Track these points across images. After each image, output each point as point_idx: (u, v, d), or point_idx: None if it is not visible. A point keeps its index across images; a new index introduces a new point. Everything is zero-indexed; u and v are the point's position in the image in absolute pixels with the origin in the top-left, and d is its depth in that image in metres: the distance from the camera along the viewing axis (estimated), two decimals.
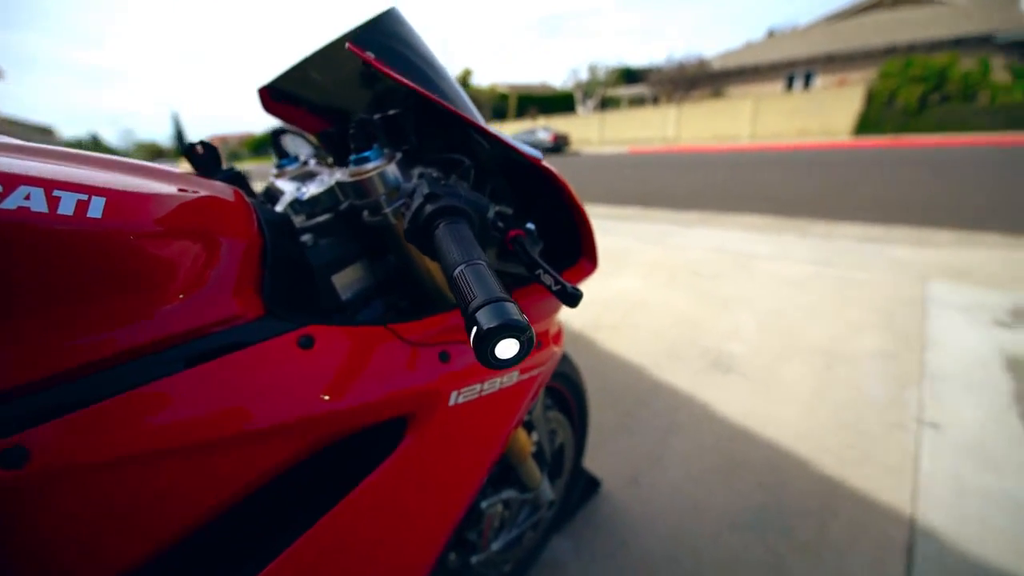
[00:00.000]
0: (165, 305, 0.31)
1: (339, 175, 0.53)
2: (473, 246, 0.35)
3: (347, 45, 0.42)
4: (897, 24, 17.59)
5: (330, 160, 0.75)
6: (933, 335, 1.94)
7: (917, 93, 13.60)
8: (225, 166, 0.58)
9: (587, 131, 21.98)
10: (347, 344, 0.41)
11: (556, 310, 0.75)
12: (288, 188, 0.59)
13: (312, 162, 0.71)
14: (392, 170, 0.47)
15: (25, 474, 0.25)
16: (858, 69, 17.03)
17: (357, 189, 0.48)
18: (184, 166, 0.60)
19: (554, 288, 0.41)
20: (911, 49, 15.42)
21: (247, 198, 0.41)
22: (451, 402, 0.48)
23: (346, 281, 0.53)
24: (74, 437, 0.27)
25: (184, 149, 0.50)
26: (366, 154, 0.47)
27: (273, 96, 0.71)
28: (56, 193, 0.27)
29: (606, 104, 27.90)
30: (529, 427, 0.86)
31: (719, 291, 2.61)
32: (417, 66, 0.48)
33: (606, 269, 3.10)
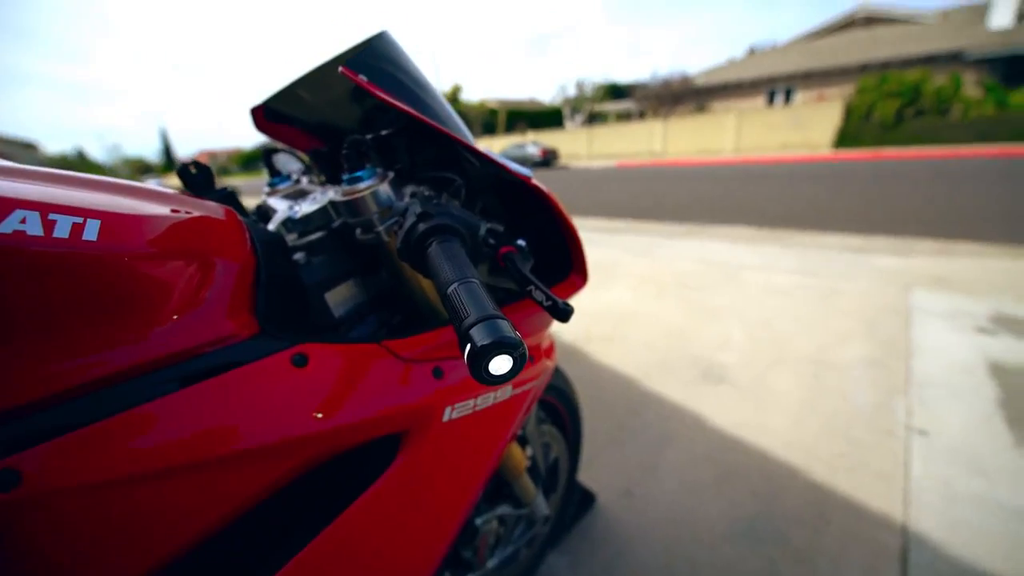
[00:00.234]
0: (159, 326, 0.31)
1: (332, 194, 0.53)
2: (466, 264, 0.35)
3: (340, 69, 0.43)
4: (871, 42, 18.27)
5: (322, 178, 0.75)
6: (918, 342, 1.98)
7: (893, 108, 14.07)
8: (217, 183, 0.58)
9: (575, 145, 22.30)
10: (341, 362, 0.41)
11: (548, 325, 0.75)
12: (280, 206, 0.59)
13: (304, 180, 0.71)
14: (385, 189, 0.48)
15: (16, 497, 0.25)
16: (835, 85, 17.59)
17: (350, 208, 0.48)
18: (174, 182, 0.60)
19: (545, 304, 0.42)
20: (885, 66, 15.99)
21: (240, 217, 0.41)
22: (445, 418, 0.48)
23: (339, 298, 0.53)
24: (67, 459, 0.27)
25: (178, 169, 0.50)
26: (359, 173, 0.48)
27: (266, 115, 0.72)
28: (52, 216, 0.27)
29: (594, 119, 28.40)
30: (523, 441, 0.85)
31: (708, 302, 2.64)
32: (408, 88, 0.49)
33: (596, 281, 3.12)
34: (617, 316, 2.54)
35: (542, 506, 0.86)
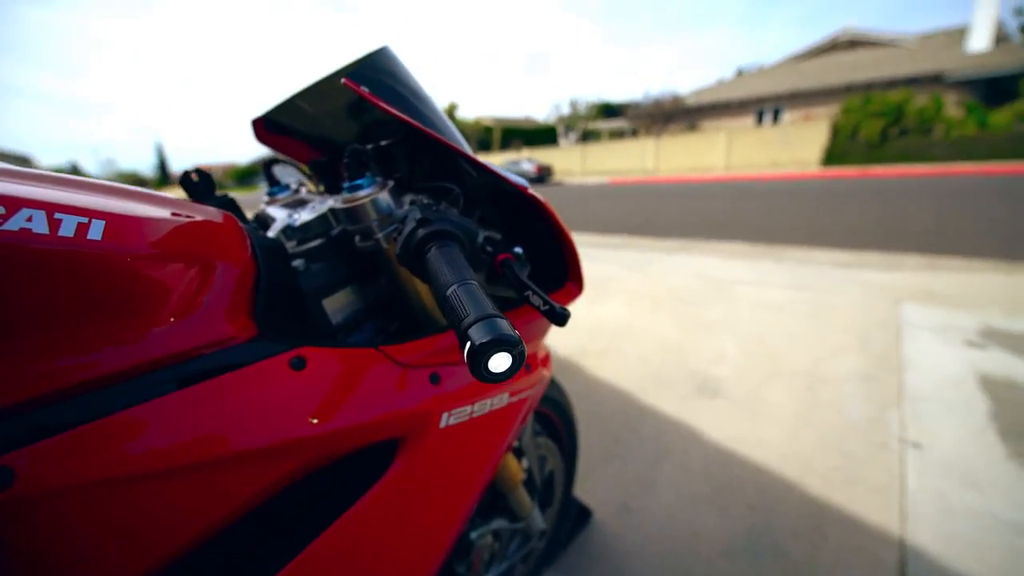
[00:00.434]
0: (159, 327, 0.31)
1: (331, 202, 0.54)
2: (464, 267, 0.36)
3: (342, 80, 0.44)
4: (854, 64, 18.85)
5: (320, 188, 0.76)
6: (909, 356, 1.99)
7: (878, 127, 14.44)
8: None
9: (569, 162, 22.60)
10: (339, 366, 0.41)
11: (544, 332, 0.76)
12: (279, 215, 0.60)
13: (303, 190, 0.72)
14: (384, 197, 0.48)
15: (9, 496, 0.25)
16: (821, 105, 18.06)
17: (350, 215, 0.49)
18: (176, 193, 0.61)
19: (543, 308, 0.43)
20: (869, 87, 16.47)
21: (240, 224, 0.42)
22: (442, 424, 0.48)
23: (337, 305, 0.53)
24: (63, 458, 0.26)
25: (180, 177, 0.51)
26: (359, 181, 0.49)
27: (266, 127, 0.73)
28: (57, 216, 0.28)
29: (587, 137, 28.87)
30: (519, 453, 0.85)
31: (702, 316, 2.65)
32: (408, 100, 0.50)
33: (591, 296, 3.14)
34: (612, 330, 2.55)
35: (538, 520, 0.85)
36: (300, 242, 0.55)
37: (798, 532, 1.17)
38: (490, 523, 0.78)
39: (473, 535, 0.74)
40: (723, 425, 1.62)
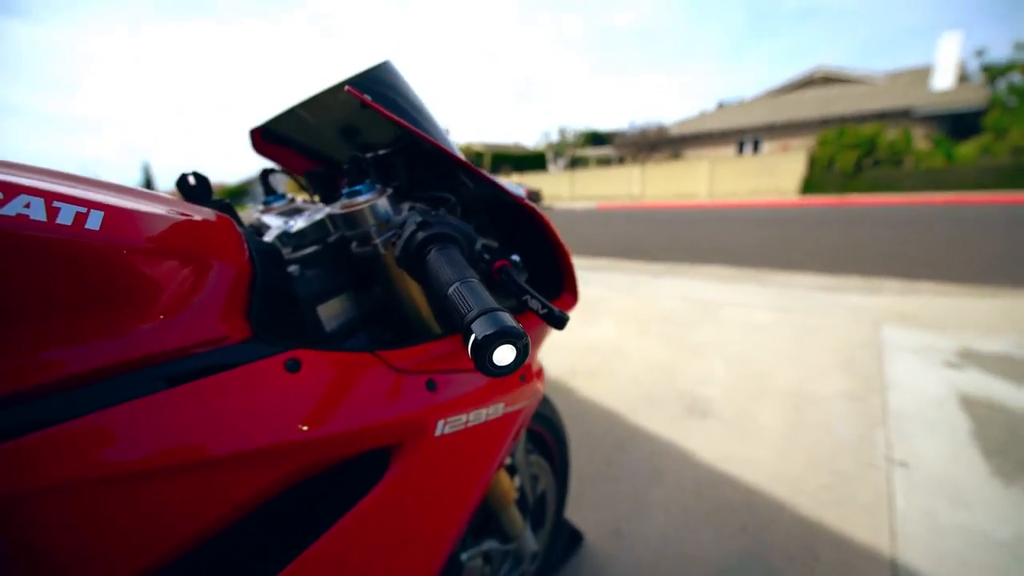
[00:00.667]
0: (153, 322, 0.31)
1: (328, 209, 0.54)
2: (465, 266, 0.36)
3: (346, 88, 0.45)
4: (828, 99, 19.79)
5: (316, 199, 0.77)
6: (892, 377, 2.03)
7: (852, 158, 15.09)
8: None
9: (558, 188, 23.00)
10: (334, 369, 0.40)
11: (540, 342, 0.76)
12: (275, 223, 0.60)
13: (298, 200, 0.72)
14: (383, 204, 0.49)
15: None
16: (798, 136, 18.83)
17: (348, 220, 0.49)
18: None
19: (542, 312, 0.43)
20: (843, 120, 17.27)
21: (237, 227, 0.42)
22: (437, 432, 0.47)
23: (331, 312, 0.53)
24: (47, 455, 0.25)
25: (177, 180, 0.51)
26: (358, 187, 0.49)
27: (264, 137, 0.74)
28: (56, 204, 0.27)
29: (575, 163, 29.52)
30: (511, 471, 0.83)
31: (690, 337, 2.68)
32: (408, 113, 0.51)
33: (581, 317, 3.15)
34: (602, 352, 2.55)
35: (530, 541, 0.83)
36: (295, 248, 0.55)
37: (791, 554, 1.16)
38: (481, 544, 0.76)
39: (464, 556, 0.72)
40: (713, 445, 1.62)
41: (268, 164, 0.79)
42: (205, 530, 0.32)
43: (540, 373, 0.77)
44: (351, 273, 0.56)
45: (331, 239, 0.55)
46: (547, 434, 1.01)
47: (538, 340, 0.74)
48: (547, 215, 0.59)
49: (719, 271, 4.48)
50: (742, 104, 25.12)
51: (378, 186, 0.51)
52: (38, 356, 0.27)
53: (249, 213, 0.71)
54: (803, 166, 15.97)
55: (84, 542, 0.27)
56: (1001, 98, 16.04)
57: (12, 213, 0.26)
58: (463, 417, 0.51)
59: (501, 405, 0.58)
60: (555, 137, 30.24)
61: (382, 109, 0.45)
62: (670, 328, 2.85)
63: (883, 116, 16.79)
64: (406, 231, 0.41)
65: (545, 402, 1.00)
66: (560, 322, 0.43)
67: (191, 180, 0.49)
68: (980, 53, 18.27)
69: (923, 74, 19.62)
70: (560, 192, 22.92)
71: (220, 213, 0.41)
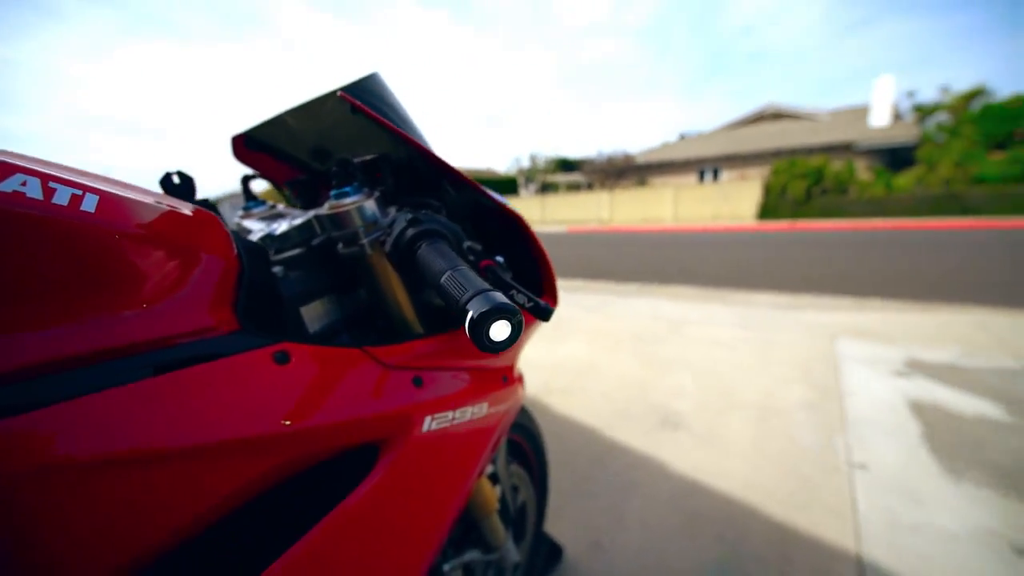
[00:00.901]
0: (142, 309, 0.31)
1: (312, 213, 0.55)
2: (455, 257, 0.38)
3: (338, 93, 0.47)
4: (779, 133, 21.25)
5: (297, 205, 0.77)
6: (848, 386, 2.14)
7: (803, 187, 16.17)
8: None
9: (530, 212, 23.40)
10: (323, 363, 0.40)
11: (526, 338, 0.78)
12: (256, 227, 0.60)
13: (280, 205, 0.72)
14: (370, 205, 0.50)
15: None
16: (753, 166, 20.05)
17: (335, 220, 0.50)
18: None
19: (528, 305, 0.45)
20: (793, 152, 18.53)
21: (224, 224, 0.42)
22: (424, 428, 0.48)
23: (314, 314, 0.53)
24: (31, 439, 0.25)
25: (161, 179, 0.50)
26: (346, 189, 0.50)
27: (246, 144, 0.74)
28: (52, 185, 0.27)
29: (546, 188, 30.22)
30: (493, 480, 0.83)
31: (659, 354, 2.75)
32: (395, 121, 0.53)
33: (553, 336, 3.18)
34: (575, 369, 2.58)
35: (512, 551, 0.82)
36: (278, 251, 0.55)
37: (765, 559, 1.18)
38: (463, 555, 0.75)
39: (446, 567, 0.71)
40: (687, 457, 1.65)
41: (236, 175, 0.79)
42: (192, 523, 0.31)
43: (521, 379, 0.79)
44: (335, 276, 0.57)
45: (316, 241, 0.56)
46: (527, 445, 1.01)
47: (524, 335, 0.76)
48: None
49: (685, 291, 4.64)
50: (702, 136, 26.59)
51: (365, 189, 0.53)
52: (27, 337, 0.26)
53: (228, 219, 0.71)
54: (759, 194, 16.93)
55: (68, 529, 0.26)
56: (931, 135, 17.69)
57: (9, 190, 0.26)
58: (449, 414, 0.51)
59: (485, 405, 0.58)
60: (526, 163, 31.00)
61: (373, 114, 0.47)
62: (640, 345, 2.92)
63: (828, 149, 18.14)
64: (396, 228, 0.43)
65: (524, 413, 1.00)
66: (546, 314, 0.45)
67: (175, 179, 0.49)
68: (911, 94, 20.18)
69: (862, 112, 21.41)
70: (532, 216, 23.32)
71: (206, 210, 0.41)
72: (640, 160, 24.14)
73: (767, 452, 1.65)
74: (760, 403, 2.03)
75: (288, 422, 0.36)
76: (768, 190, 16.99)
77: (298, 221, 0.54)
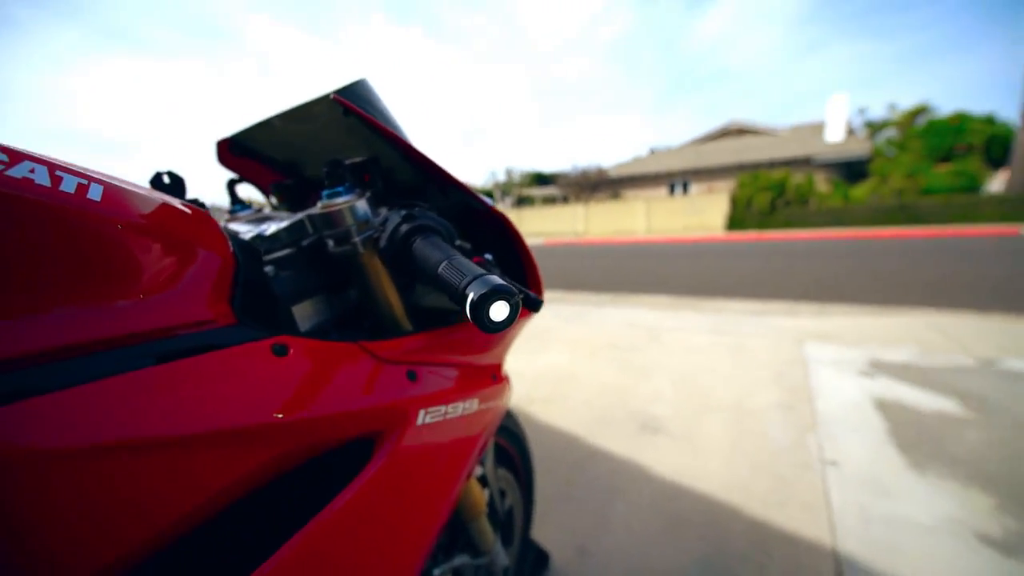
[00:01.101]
0: (142, 299, 0.30)
1: (304, 213, 0.55)
2: (450, 248, 0.39)
3: (332, 96, 0.48)
4: (743, 148, 22.22)
5: (283, 209, 0.76)
6: (816, 387, 2.23)
7: (767, 199, 16.91)
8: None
9: None
10: (320, 355, 0.41)
11: (513, 338, 0.79)
12: (243, 229, 0.60)
13: (265, 209, 0.72)
14: (362, 205, 0.51)
15: None
16: (720, 180, 20.87)
17: (328, 219, 0.50)
18: None
19: (519, 296, 0.46)
20: (756, 166, 19.41)
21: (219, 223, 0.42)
22: (419, 421, 0.48)
23: (304, 313, 0.53)
24: (28, 425, 0.24)
25: (151, 178, 0.49)
26: (338, 188, 0.51)
27: (231, 148, 0.73)
28: (59, 173, 0.28)
29: (522, 202, 30.57)
30: (482, 482, 0.83)
31: (637, 360, 2.79)
32: (385, 125, 0.54)
33: (533, 346, 3.20)
34: (555, 378, 2.59)
35: (501, 555, 0.82)
36: (268, 251, 0.55)
37: (747, 556, 1.21)
38: (452, 560, 0.75)
39: (436, 572, 0.70)
40: (667, 460, 1.68)
41: (208, 189, 0.78)
42: (190, 516, 0.30)
43: (508, 379, 0.79)
44: (325, 275, 0.57)
45: (306, 242, 0.56)
46: (513, 449, 1.01)
47: (512, 335, 0.77)
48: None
49: (659, 299, 4.74)
50: (671, 150, 27.52)
51: (357, 190, 0.53)
52: (30, 323, 0.26)
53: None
54: (726, 206, 17.59)
55: (65, 518, 0.25)
56: (881, 149, 18.82)
57: (19, 176, 0.26)
58: (442, 408, 0.51)
59: (476, 401, 0.59)
60: (502, 177, 31.34)
61: (367, 116, 0.48)
62: (618, 352, 2.96)
63: (789, 163, 19.07)
64: (390, 225, 0.43)
65: (510, 417, 1.01)
66: (536, 304, 0.46)
67: (165, 179, 0.48)
68: (862, 111, 21.49)
69: (819, 128, 22.65)
70: None
71: (200, 209, 0.41)
72: (613, 174, 24.77)
73: (744, 452, 1.69)
74: (735, 405, 2.09)
75: (287, 412, 0.36)
76: (735, 202, 17.67)
77: (288, 222, 0.54)
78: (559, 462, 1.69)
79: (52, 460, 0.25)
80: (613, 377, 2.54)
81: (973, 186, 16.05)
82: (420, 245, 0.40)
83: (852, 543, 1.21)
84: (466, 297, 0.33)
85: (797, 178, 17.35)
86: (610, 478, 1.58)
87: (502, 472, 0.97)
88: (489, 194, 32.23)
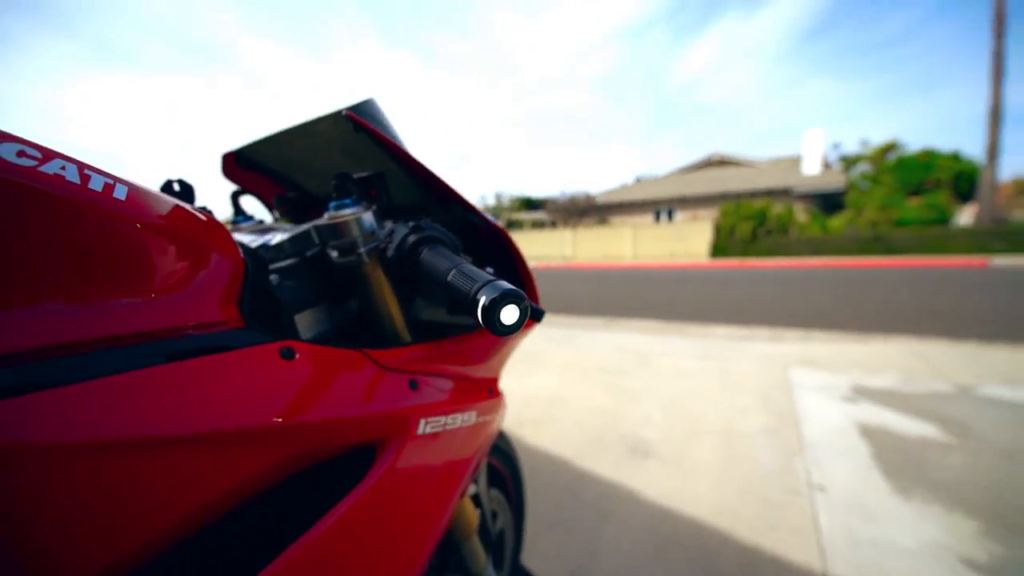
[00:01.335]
0: (155, 298, 0.31)
1: (311, 224, 0.56)
2: (457, 257, 0.40)
3: (345, 113, 0.50)
4: (725, 178, 22.98)
5: (287, 220, 0.77)
6: (802, 412, 2.26)
7: (749, 228, 17.40)
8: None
9: None
10: (326, 361, 0.41)
11: (510, 352, 0.79)
12: (246, 239, 0.60)
13: (268, 220, 0.72)
14: (369, 217, 0.52)
15: None
16: (704, 208, 21.47)
17: (334, 230, 0.51)
18: None
19: None
20: (738, 196, 20.03)
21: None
22: (419, 430, 0.48)
23: (306, 323, 0.53)
24: (36, 417, 0.24)
25: (162, 186, 0.50)
26: (345, 200, 0.52)
27: (236, 161, 0.74)
28: (87, 172, 0.29)
29: (511, 226, 30.92)
30: (475, 501, 0.82)
31: (626, 384, 2.80)
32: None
33: (523, 369, 3.19)
34: (546, 400, 2.58)
35: None
36: (272, 261, 0.55)
37: None
38: None
39: None
40: (657, 483, 1.67)
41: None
42: (193, 517, 0.30)
43: (503, 395, 0.79)
44: (327, 286, 0.57)
45: (310, 252, 0.57)
46: (505, 470, 1.00)
47: (509, 350, 0.78)
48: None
49: (647, 324, 4.79)
50: (656, 179, 28.32)
51: (364, 203, 0.54)
52: (52, 315, 0.26)
53: None
54: (710, 233, 18.03)
55: (67, 514, 0.25)
56: (856, 182, 19.64)
57: (51, 172, 0.27)
58: (442, 419, 0.52)
59: (474, 414, 0.59)
60: (492, 201, 31.76)
61: (378, 132, 0.50)
62: (607, 376, 2.97)
63: (769, 193, 19.75)
64: (398, 236, 0.45)
65: (503, 437, 1.00)
66: (538, 315, 0.47)
67: (176, 187, 0.49)
68: (836, 146, 22.50)
69: (796, 161, 23.59)
70: None
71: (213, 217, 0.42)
72: (600, 200, 25.29)
73: (733, 476, 1.69)
74: (724, 429, 2.10)
75: (292, 415, 0.36)
76: (719, 230, 18.13)
77: (294, 232, 0.55)
78: (550, 486, 1.67)
79: (57, 454, 0.25)
80: (604, 400, 2.54)
81: (943, 219, 16.77)
82: (428, 255, 0.42)
83: (842, 567, 1.21)
84: (477, 302, 0.34)
85: (777, 208, 17.94)
86: (601, 503, 1.56)
87: (494, 493, 0.95)
88: None
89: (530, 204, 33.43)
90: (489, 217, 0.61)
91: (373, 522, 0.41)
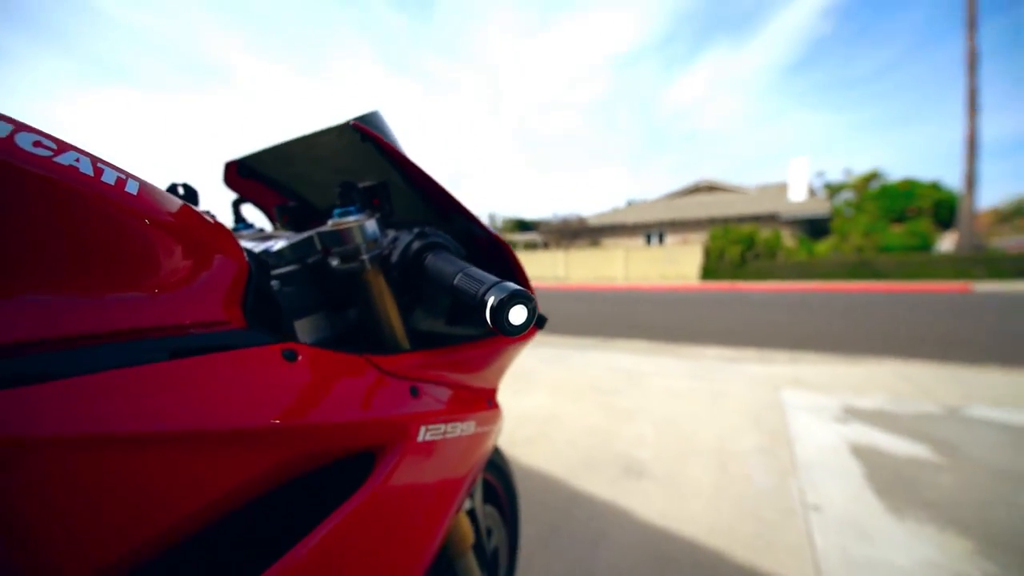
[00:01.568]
0: (162, 294, 0.32)
1: (314, 231, 0.57)
2: (462, 262, 0.41)
3: (352, 123, 0.51)
4: (714, 203, 23.47)
5: (287, 230, 0.78)
6: (794, 432, 2.26)
7: (738, 251, 17.69)
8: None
9: None
10: (328, 364, 0.41)
11: (510, 361, 0.79)
12: (247, 247, 0.61)
13: (268, 228, 0.73)
14: (372, 225, 0.53)
15: None
16: (694, 232, 21.83)
17: (337, 236, 0.52)
18: None
19: None
20: (727, 221, 20.42)
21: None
22: (420, 437, 0.48)
23: (306, 329, 0.53)
24: (36, 409, 0.24)
25: (167, 189, 0.51)
26: (349, 208, 0.53)
27: (238, 170, 0.76)
28: (100, 165, 0.29)
29: None
30: (471, 517, 0.80)
31: (619, 404, 2.79)
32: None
33: (517, 387, 3.17)
34: (539, 419, 2.56)
35: None
36: (272, 267, 0.56)
37: None
38: None
39: None
40: (652, 503, 1.65)
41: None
42: (191, 517, 0.30)
43: (500, 408, 0.79)
44: (328, 293, 0.58)
45: (311, 259, 0.57)
46: (500, 487, 0.99)
47: (509, 359, 0.78)
48: None
49: (639, 345, 4.80)
50: (647, 203, 28.83)
51: (367, 211, 0.56)
52: (58, 306, 0.27)
53: None
54: (700, 256, 18.28)
55: (66, 508, 0.25)
56: (840, 209, 20.16)
57: (65, 163, 0.27)
58: (442, 427, 0.52)
59: (473, 423, 0.59)
60: (485, 222, 32.06)
61: (385, 142, 0.52)
62: (600, 396, 2.96)
63: (757, 218, 20.17)
64: (402, 242, 0.46)
65: (498, 453, 0.99)
66: (542, 321, 0.48)
67: (180, 191, 0.50)
68: (821, 174, 23.16)
69: (783, 188, 24.21)
70: None
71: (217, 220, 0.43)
72: (592, 223, 25.62)
73: (728, 496, 1.68)
74: (718, 449, 2.09)
75: (293, 417, 0.36)
76: (708, 253, 18.40)
77: (296, 239, 0.56)
78: (543, 506, 1.64)
79: (57, 447, 0.25)
80: (597, 420, 2.52)
81: (925, 245, 17.21)
82: (433, 260, 0.43)
83: None
84: (486, 303, 0.35)
85: (765, 233, 18.31)
86: (596, 522, 1.54)
87: (489, 509, 0.94)
88: None
89: (523, 226, 33.79)
90: (490, 228, 0.63)
91: (371, 530, 0.41)
